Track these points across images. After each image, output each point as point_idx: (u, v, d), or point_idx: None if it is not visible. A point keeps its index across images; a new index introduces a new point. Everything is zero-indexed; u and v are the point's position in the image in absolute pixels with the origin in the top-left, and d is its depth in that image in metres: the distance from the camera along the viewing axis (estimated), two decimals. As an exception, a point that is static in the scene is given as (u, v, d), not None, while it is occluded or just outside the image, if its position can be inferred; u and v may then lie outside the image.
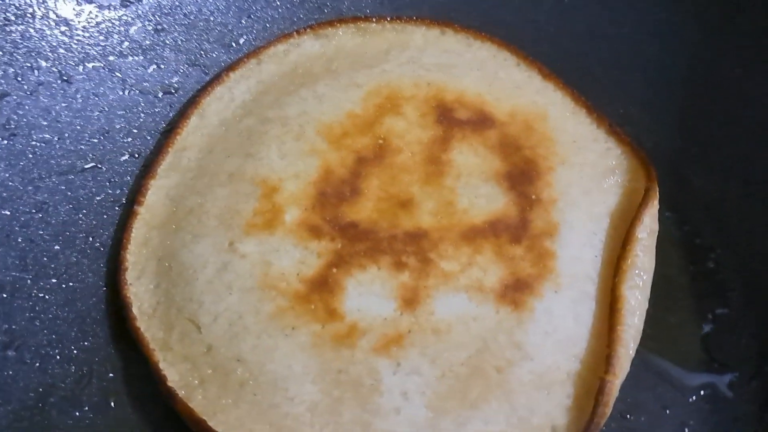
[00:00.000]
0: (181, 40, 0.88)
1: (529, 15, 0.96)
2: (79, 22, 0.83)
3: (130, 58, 0.85)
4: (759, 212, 0.83)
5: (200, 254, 0.75)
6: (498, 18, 0.95)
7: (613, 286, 0.73)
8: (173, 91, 0.87)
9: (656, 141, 0.89)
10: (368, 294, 0.72)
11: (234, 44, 0.91)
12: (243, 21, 0.91)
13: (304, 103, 0.85)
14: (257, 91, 0.88)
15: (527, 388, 0.69)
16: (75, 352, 0.72)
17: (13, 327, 0.70)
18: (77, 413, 0.69)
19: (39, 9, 0.80)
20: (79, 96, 0.81)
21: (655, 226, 0.78)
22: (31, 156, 0.77)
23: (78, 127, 0.81)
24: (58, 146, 0.79)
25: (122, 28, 0.85)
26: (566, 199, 0.79)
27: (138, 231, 0.78)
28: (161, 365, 0.70)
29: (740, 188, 0.85)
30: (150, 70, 0.86)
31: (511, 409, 0.68)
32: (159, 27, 0.87)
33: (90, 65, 0.82)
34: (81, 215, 0.78)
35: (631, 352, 0.72)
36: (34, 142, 0.78)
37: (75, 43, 0.81)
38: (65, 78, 0.81)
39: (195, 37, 0.89)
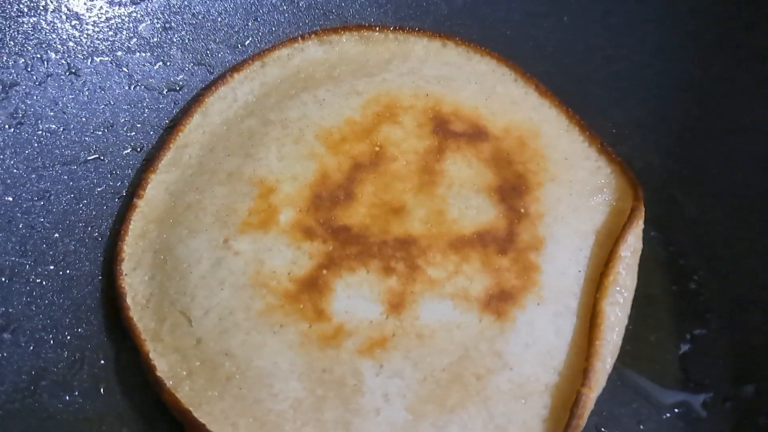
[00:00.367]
0: (188, 39, 0.90)
1: (529, 32, 0.98)
2: (89, 16, 0.85)
3: (138, 55, 0.87)
4: (744, 238, 0.85)
5: (195, 249, 0.77)
6: (498, 34, 0.98)
7: (594, 302, 0.75)
8: (178, 89, 0.89)
9: (648, 161, 0.91)
10: (356, 296, 0.74)
11: (240, 46, 0.93)
12: (249, 23, 0.94)
13: (304, 107, 0.87)
14: (260, 93, 0.90)
15: (505, 397, 0.71)
16: (68, 338, 0.74)
17: (10, 310, 0.72)
18: (67, 397, 0.71)
19: (51, 2, 0.83)
20: (86, 89, 0.84)
21: (639, 245, 0.80)
22: (36, 145, 0.79)
23: (83, 119, 0.83)
24: (63, 137, 0.81)
25: (131, 25, 0.87)
26: (554, 214, 0.81)
27: (136, 223, 0.81)
28: (151, 355, 0.72)
29: (728, 213, 0.87)
30: (156, 66, 0.88)
31: (488, 417, 0.70)
32: (167, 25, 0.89)
33: (98, 59, 0.85)
34: (81, 205, 0.80)
35: (608, 367, 0.74)
36: (39, 132, 0.80)
37: (84, 37, 0.84)
38: (73, 71, 0.83)
39: (202, 36, 0.91)
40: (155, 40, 0.88)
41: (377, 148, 0.84)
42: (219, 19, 0.92)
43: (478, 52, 0.95)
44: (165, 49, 0.89)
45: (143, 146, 0.86)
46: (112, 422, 0.71)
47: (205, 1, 0.92)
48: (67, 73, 0.82)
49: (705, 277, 0.85)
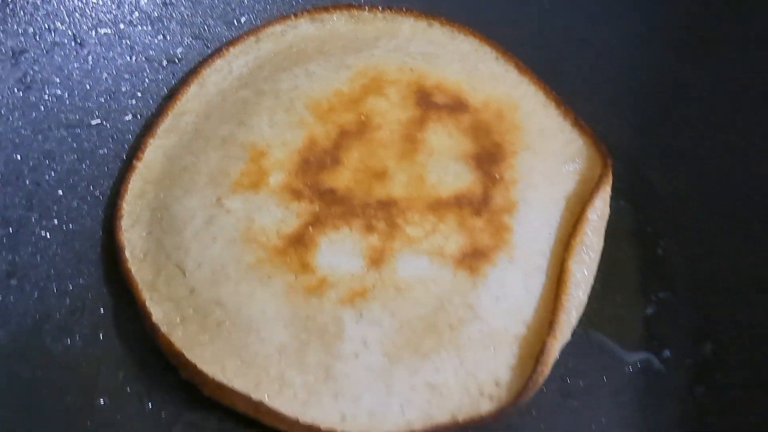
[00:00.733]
0: (187, 15, 0.95)
1: (511, 15, 1.03)
2: (94, -10, 0.90)
3: (139, 28, 0.92)
4: (709, 208, 0.90)
5: (190, 207, 0.83)
6: (482, 16, 1.02)
7: (562, 261, 0.80)
8: (176, 61, 0.95)
9: (620, 138, 0.96)
10: (339, 252, 0.79)
11: (235, 22, 0.99)
12: (245, 1, 0.99)
13: (296, 79, 0.92)
14: (254, 66, 0.96)
15: (476, 346, 0.76)
16: (70, 287, 0.79)
17: (17, 259, 0.77)
18: (68, 341, 0.76)
19: (59, -24, 0.88)
20: (90, 58, 0.89)
21: (606, 210, 0.86)
22: (42, 108, 0.84)
23: (87, 87, 0.88)
24: (68, 102, 0.87)
25: (133, 0, 0.93)
26: (527, 180, 0.86)
27: (135, 184, 0.86)
28: (147, 304, 0.77)
29: (694, 185, 0.92)
30: (156, 39, 0.94)
31: (459, 363, 0.75)
32: (167, 1, 0.95)
33: (102, 31, 0.90)
34: (84, 166, 0.86)
35: (573, 321, 0.79)
36: (46, 96, 0.85)
37: (89, 9, 0.89)
38: (79, 41, 0.88)
39: (200, 12, 0.96)
40: (156, 14, 0.94)
41: (363, 118, 0.89)
42: (216, -3, 0.98)
43: (462, 31, 1.00)
44: (165, 24, 0.94)
45: (143, 113, 0.91)
46: (110, 365, 0.76)
47: (204, -21, 0.97)
48: (73, 43, 0.87)
49: (671, 244, 0.90)
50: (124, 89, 0.91)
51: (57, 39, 0.87)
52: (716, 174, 0.91)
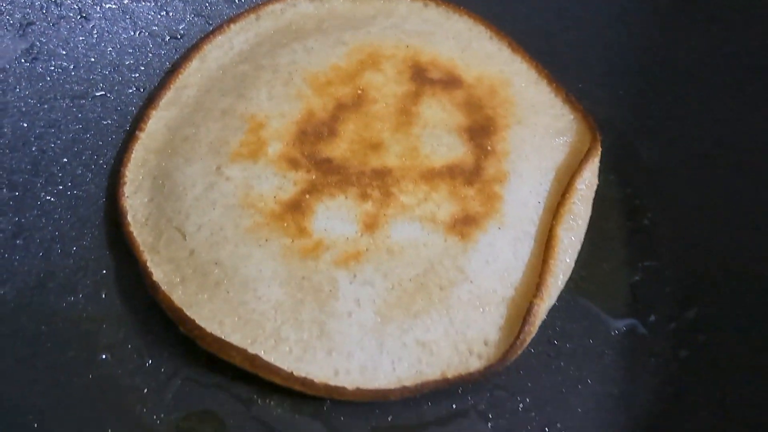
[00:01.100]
0: (190, -8, 0.99)
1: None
2: (100, -34, 0.93)
3: (143, 4, 0.95)
4: (694, 181, 0.92)
5: (191, 175, 0.85)
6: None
7: (550, 228, 0.83)
8: (179, 37, 0.98)
9: (609, 114, 0.99)
10: (335, 217, 0.82)
11: (236, 0, 1.02)
12: (246, -20, 1.02)
13: (294, 55, 0.95)
14: (254, 42, 0.99)
15: (465, 306, 0.78)
16: (74, 249, 0.82)
17: (22, 221, 0.80)
18: (72, 299, 0.79)
19: (65, -48, 0.91)
20: (95, 32, 0.92)
21: (594, 181, 0.88)
22: (48, 79, 0.87)
23: (92, 60, 0.91)
24: (73, 73, 0.89)
25: (138, -24, 0.96)
26: (518, 152, 0.89)
27: (137, 153, 0.89)
28: (148, 264, 0.80)
29: (680, 160, 0.94)
30: (160, 16, 0.97)
31: (449, 322, 0.78)
32: (171, -22, 0.98)
33: (107, 6, 0.93)
34: (89, 135, 0.88)
35: (560, 284, 0.81)
36: (52, 68, 0.88)
37: (95, -16, 0.92)
38: (84, 15, 0.91)
39: (202, -10, 1.00)
40: (160, -9, 0.97)
41: (360, 92, 0.92)
42: (218, -25, 1.01)
43: (457, 11, 1.03)
44: (168, 0, 0.97)
45: (146, 86, 0.94)
46: (112, 322, 0.79)
47: (206, -42, 1.00)
48: (79, 17, 0.90)
49: (657, 215, 0.92)
50: (127, 63, 0.93)
51: (63, 12, 0.89)
52: (702, 149, 0.94)
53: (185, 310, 0.76)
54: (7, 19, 0.84)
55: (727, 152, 0.91)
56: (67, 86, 0.89)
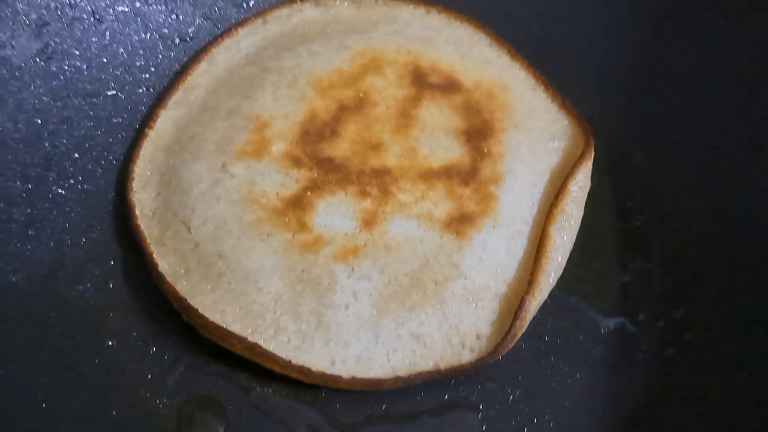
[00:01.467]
0: (199, -3, 1.02)
1: (505, 3, 1.09)
2: (113, -30, 0.97)
3: (154, 7, 0.99)
4: (685, 186, 0.95)
5: (197, 171, 0.89)
6: (478, 5, 1.08)
7: (543, 227, 0.86)
8: (188, 40, 1.01)
9: (604, 119, 1.01)
10: (335, 214, 0.85)
11: (244, 5, 1.05)
12: (254, -14, 1.06)
13: (299, 58, 0.98)
14: (261, 46, 1.02)
15: (459, 301, 0.81)
16: (83, 240, 0.85)
17: (34, 212, 0.83)
18: (81, 287, 0.82)
19: (80, -44, 0.95)
20: (107, 33, 0.95)
21: (587, 183, 0.91)
22: (62, 78, 0.91)
23: (104, 60, 0.95)
24: (86, 73, 0.93)
25: (149, -20, 0.99)
26: (514, 154, 0.92)
27: (146, 150, 0.92)
28: (154, 256, 0.83)
29: (672, 164, 0.97)
30: (170, 19, 1.00)
31: (443, 316, 0.80)
32: (181, -18, 1.01)
33: (119, 8, 0.96)
34: (100, 132, 0.92)
35: (552, 281, 0.84)
36: (66, 67, 0.91)
37: (108, -13, 0.96)
38: (97, 17, 0.95)
39: (211, -6, 1.03)
40: (170, -5, 1.00)
41: (361, 94, 0.95)
42: (227, -19, 1.04)
43: (458, 18, 1.06)
44: (178, 4, 1.01)
45: (156, 87, 0.97)
46: (118, 311, 0.82)
47: (216, -37, 1.04)
48: (92, 18, 0.94)
49: (648, 217, 0.95)
50: (138, 64, 0.97)
51: (77, 14, 0.93)
52: (694, 153, 0.96)
53: (189, 299, 0.79)
54: (23, 19, 0.88)
55: (718, 157, 0.94)
56: (80, 85, 0.92)
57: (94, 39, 0.94)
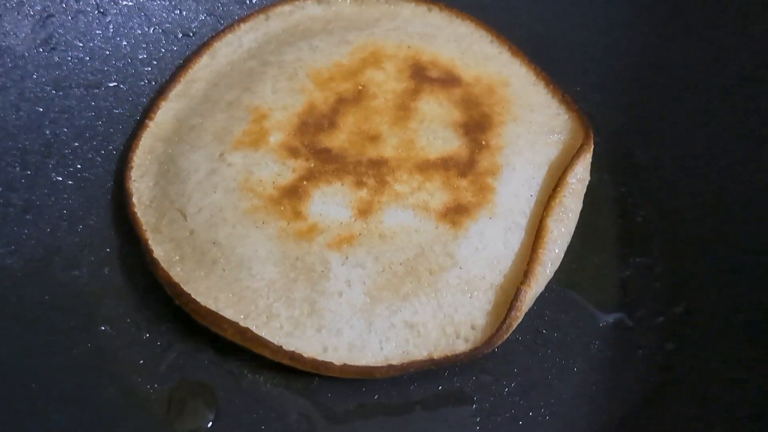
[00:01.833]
0: (202, -8, 1.03)
1: (506, 2, 1.09)
2: (118, -35, 0.98)
3: (158, 2, 1.00)
4: (687, 182, 0.94)
5: (195, 161, 0.89)
6: (480, 3, 1.09)
7: (541, 218, 0.85)
8: (191, 35, 1.02)
9: (606, 116, 1.01)
10: (330, 203, 0.85)
11: (247, 2, 1.06)
12: (257, -18, 1.07)
13: (300, 52, 0.99)
14: (263, 41, 1.03)
15: (454, 291, 0.80)
16: (80, 227, 0.86)
17: (33, 197, 0.84)
18: (76, 272, 0.82)
19: (85, -51, 0.96)
20: (111, 26, 0.96)
21: (586, 176, 0.90)
22: (65, 68, 0.92)
23: (107, 52, 0.96)
24: (88, 65, 0.94)
25: (154, -25, 1.01)
26: (512, 147, 0.91)
27: (146, 140, 0.92)
28: (150, 243, 0.83)
29: (673, 160, 0.96)
30: (173, 14, 1.01)
31: (437, 306, 0.80)
32: (185, -22, 1.03)
33: (123, 2, 0.98)
34: (101, 122, 0.93)
35: (549, 273, 0.83)
36: (69, 58, 0.93)
37: (112, -19, 0.97)
38: (101, 10, 0.96)
39: (214, -9, 1.04)
40: (173, -10, 1.02)
41: (360, 87, 0.95)
42: (231, -22, 1.06)
43: (460, 16, 1.07)
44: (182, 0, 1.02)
45: (158, 80, 0.98)
46: (112, 297, 0.82)
47: (220, -39, 1.05)
48: (96, 12, 0.95)
49: (650, 213, 0.94)
50: (141, 57, 0.98)
51: (81, 7, 0.94)
52: (695, 150, 0.95)
53: (182, 285, 0.79)
54: (28, 10, 0.89)
55: (719, 154, 0.93)
56: (82, 76, 0.93)
57: (97, 32, 0.96)
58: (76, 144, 0.90)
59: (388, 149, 0.90)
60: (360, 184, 0.87)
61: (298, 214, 0.84)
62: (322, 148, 0.90)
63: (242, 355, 0.78)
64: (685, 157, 0.95)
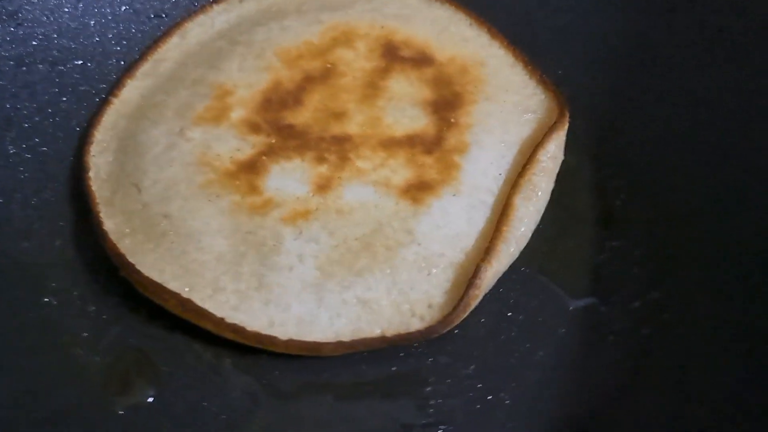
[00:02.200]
0: (177, -26, 1.02)
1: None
2: (89, -60, 0.98)
3: (130, -18, 0.99)
4: (669, 167, 0.89)
5: (154, 136, 0.87)
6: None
7: (507, 197, 0.81)
8: (163, 16, 1.01)
9: (589, 100, 0.97)
10: (288, 178, 0.82)
11: (223, -16, 1.05)
12: (233, -35, 1.05)
13: (270, 32, 0.97)
14: (234, 23, 1.01)
15: (411, 267, 0.77)
16: (34, 200, 0.84)
17: (-15, 168, 0.83)
18: (26, 244, 0.81)
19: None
20: (80, 5, 0.96)
21: (560, 155, 0.86)
22: (30, 44, 0.91)
23: (76, 31, 0.95)
24: (55, 42, 0.93)
25: (126, -47, 1.00)
26: (482, 125, 0.88)
27: (109, 117, 0.91)
28: (101, 215, 0.81)
29: (656, 146, 0.91)
30: (146, -6, 1.01)
31: (392, 282, 0.76)
32: (159, -42, 1.02)
33: (94, -19, 0.97)
34: (64, 99, 0.91)
35: (513, 251, 0.79)
36: (35, 34, 0.92)
37: (83, -42, 0.96)
38: (71, -13, 0.95)
39: (189, -27, 1.03)
40: (147, -30, 1.01)
41: (329, 66, 0.93)
42: (207, -41, 1.04)
43: (439, 0, 1.04)
44: (155, -20, 1.01)
45: (126, 59, 0.97)
46: (61, 270, 0.80)
47: (196, -57, 1.04)
48: (66, -10, 0.95)
49: (630, 197, 0.89)
50: (110, 36, 0.97)
51: (51, -16, 0.94)
52: (678, 134, 0.91)
53: (129, 257, 0.77)
54: (-6, -15, 0.89)
55: (703, 139, 0.88)
56: (47, 52, 0.92)
57: (65, 9, 0.95)
58: (37, 119, 0.89)
59: (352, 126, 0.87)
60: (321, 160, 0.84)
61: (254, 189, 0.81)
62: (285, 125, 0.87)
63: (191, 331, 0.76)
64: (669, 141, 0.91)
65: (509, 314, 0.80)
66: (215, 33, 1.00)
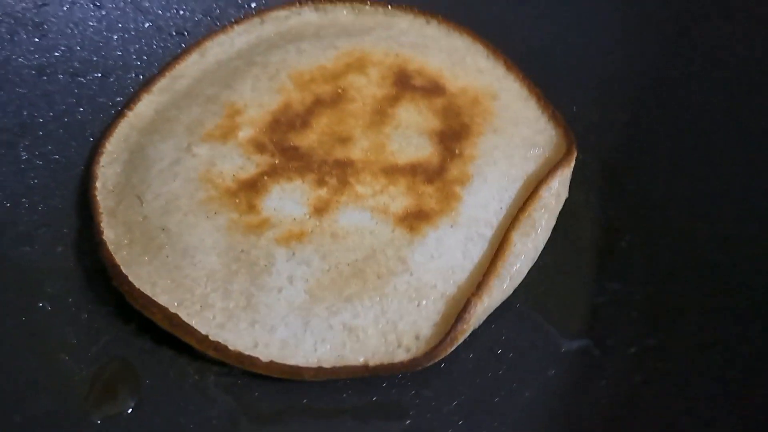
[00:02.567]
0: (201, -7, 1.05)
1: (506, 17, 1.06)
2: (117, -42, 1.01)
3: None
4: (676, 211, 0.87)
5: (162, 150, 0.88)
6: (479, 18, 1.06)
7: (506, 231, 0.80)
8: (185, 33, 1.03)
9: (600, 138, 0.96)
10: (287, 199, 0.83)
11: (245, 6, 1.07)
12: (256, -13, 1.07)
13: (286, 54, 0.98)
14: (254, 44, 1.03)
15: (401, 297, 0.76)
16: (41, 206, 0.86)
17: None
18: (27, 248, 0.82)
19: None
20: (104, 20, 0.98)
21: (564, 192, 0.85)
22: (53, 55, 0.94)
23: (98, 45, 0.97)
24: (77, 54, 0.96)
25: (154, -28, 1.03)
26: (487, 158, 0.87)
27: (122, 129, 0.93)
28: (102, 225, 0.82)
29: (666, 189, 0.89)
30: (169, 12, 1.03)
31: (381, 311, 0.75)
32: (184, -22, 1.04)
33: (120, -3, 1.00)
34: (81, 109, 0.94)
35: (506, 288, 0.78)
36: (58, 45, 0.94)
37: (109, -25, 0.99)
38: (97, 3, 0.98)
39: (213, -7, 1.06)
40: (172, -12, 1.03)
41: (340, 91, 0.94)
42: (230, -19, 1.07)
43: (458, 30, 1.04)
44: (180, -1, 1.03)
45: (146, 74, 0.99)
46: (59, 276, 0.81)
47: (221, -35, 1.07)
48: (91, 4, 0.97)
49: (634, 239, 0.87)
50: (131, 51, 0.99)
51: (77, -2, 0.97)
52: (690, 176, 0.88)
53: (125, 268, 0.78)
54: (23, -4, 0.92)
55: (714, 183, 0.86)
56: (69, 63, 0.94)
57: (90, 23, 0.97)
58: (52, 127, 0.91)
59: (356, 151, 0.87)
60: (321, 182, 0.84)
61: (252, 208, 0.82)
62: (290, 146, 0.88)
63: (178, 346, 0.76)
64: (679, 186, 0.88)
65: (498, 351, 0.78)
66: (234, 53, 1.02)
